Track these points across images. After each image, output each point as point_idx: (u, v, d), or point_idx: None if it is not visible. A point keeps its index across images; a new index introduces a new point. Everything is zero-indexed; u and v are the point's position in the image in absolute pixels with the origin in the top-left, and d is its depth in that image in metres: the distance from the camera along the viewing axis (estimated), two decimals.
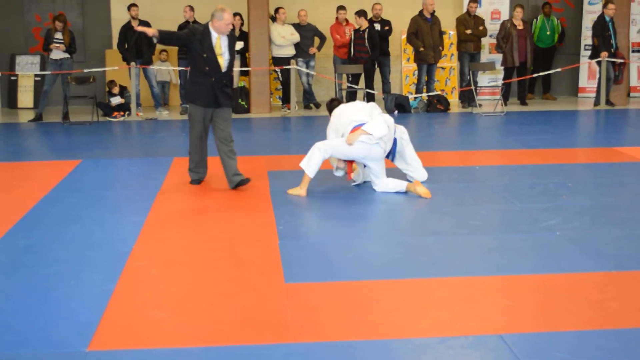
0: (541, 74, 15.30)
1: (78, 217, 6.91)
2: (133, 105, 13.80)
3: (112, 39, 15.45)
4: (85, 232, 6.45)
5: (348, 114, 7.84)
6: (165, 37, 8.09)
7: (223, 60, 7.95)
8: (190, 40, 7.88)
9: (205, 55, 7.86)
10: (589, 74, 16.07)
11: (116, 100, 13.91)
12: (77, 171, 8.99)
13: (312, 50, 14.66)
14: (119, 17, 15.27)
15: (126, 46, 13.81)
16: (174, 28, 14.15)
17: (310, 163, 7.60)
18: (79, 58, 14.70)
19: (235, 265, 5.60)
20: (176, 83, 14.98)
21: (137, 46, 13.77)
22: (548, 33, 15.68)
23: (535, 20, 15.70)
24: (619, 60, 14.50)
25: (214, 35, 7.90)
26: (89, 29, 15.66)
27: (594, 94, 15.10)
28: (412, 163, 8.17)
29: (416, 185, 7.56)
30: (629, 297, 4.85)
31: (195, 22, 13.94)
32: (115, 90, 14.00)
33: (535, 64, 15.28)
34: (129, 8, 13.93)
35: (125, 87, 14.15)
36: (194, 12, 14.04)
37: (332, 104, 8.30)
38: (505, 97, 14.65)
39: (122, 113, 13.80)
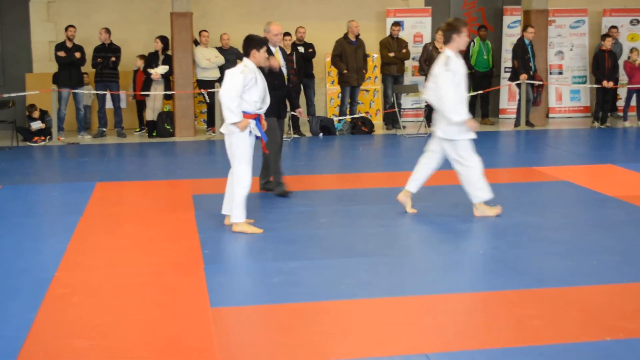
0: (475, 93, 15.48)
1: None
2: (54, 130, 13.55)
3: (32, 62, 15.18)
4: (5, 260, 6.29)
5: None
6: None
7: (284, 72, 8.57)
8: None
9: (275, 71, 8.34)
10: (509, 95, 16.40)
11: (37, 125, 13.63)
12: None
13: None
14: (40, 40, 15.03)
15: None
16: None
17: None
18: None
19: (160, 291, 5.52)
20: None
21: (68, 69, 13.58)
22: (485, 57, 15.67)
23: (472, 43, 15.55)
24: (537, 82, 14.84)
25: (272, 49, 8.44)
26: (9, 53, 15.35)
27: (514, 115, 15.42)
28: None
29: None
30: (550, 314, 4.94)
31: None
32: (36, 114, 13.73)
33: (476, 89, 15.35)
34: (66, 29, 13.78)
35: (46, 111, 13.89)
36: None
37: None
38: (429, 118, 14.83)
39: (42, 138, 13.54)
